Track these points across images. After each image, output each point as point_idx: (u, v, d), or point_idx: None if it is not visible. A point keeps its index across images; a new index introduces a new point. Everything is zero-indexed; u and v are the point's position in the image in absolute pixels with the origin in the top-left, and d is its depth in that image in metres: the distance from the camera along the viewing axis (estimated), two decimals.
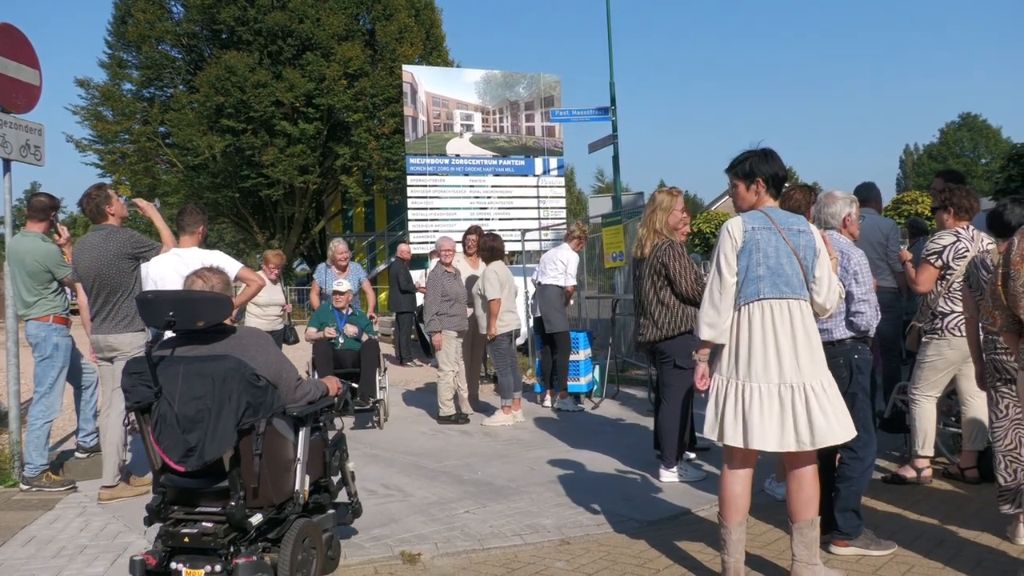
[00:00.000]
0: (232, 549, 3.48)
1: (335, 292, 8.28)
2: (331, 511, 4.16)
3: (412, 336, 14.08)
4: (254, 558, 3.45)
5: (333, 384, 4.28)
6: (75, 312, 6.28)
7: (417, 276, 13.64)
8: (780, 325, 3.60)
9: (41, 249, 6.02)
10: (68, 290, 6.24)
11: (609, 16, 14.25)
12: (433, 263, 8.87)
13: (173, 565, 3.47)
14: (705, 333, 3.74)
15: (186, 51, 28.28)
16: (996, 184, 8.60)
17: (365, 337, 8.25)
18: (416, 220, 17.93)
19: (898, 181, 67.36)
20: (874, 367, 4.65)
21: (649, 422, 7.62)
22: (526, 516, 5.00)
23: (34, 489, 5.89)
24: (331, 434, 4.40)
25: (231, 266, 5.62)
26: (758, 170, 3.78)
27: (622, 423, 8.08)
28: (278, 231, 30.48)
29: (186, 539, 3.49)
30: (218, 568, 3.42)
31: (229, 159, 26.89)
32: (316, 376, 7.31)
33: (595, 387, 9.25)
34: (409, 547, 4.42)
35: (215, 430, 3.42)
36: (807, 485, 3.66)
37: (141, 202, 6.10)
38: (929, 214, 10.33)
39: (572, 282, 8.87)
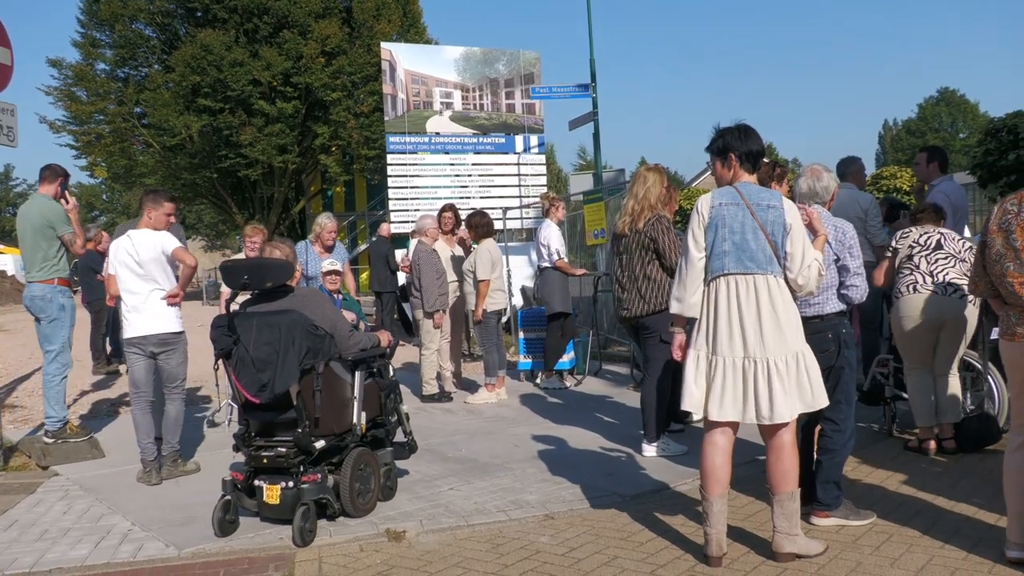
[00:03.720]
0: (301, 469, 4.35)
1: (328, 272, 7.15)
2: (389, 448, 5.00)
3: (394, 315, 14.05)
4: (318, 476, 4.36)
5: (384, 337, 5.14)
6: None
7: (399, 255, 13.58)
8: (745, 300, 3.65)
9: (46, 205, 6.26)
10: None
11: None
12: (414, 243, 8.74)
13: (256, 482, 4.43)
14: (673, 307, 3.88)
15: (160, 30, 27.84)
16: (974, 158, 8.65)
17: (361, 325, 7.40)
18: (397, 199, 17.83)
19: (877, 156, 67.64)
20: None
21: (631, 398, 7.67)
22: (510, 492, 5.02)
23: (59, 442, 6.20)
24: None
25: (169, 244, 5.61)
26: (731, 146, 3.82)
27: (604, 399, 8.12)
28: (257, 211, 30.23)
29: (265, 460, 4.41)
30: (290, 484, 4.32)
31: (206, 139, 26.61)
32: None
33: (577, 364, 9.28)
34: (394, 524, 4.44)
35: (283, 368, 4.28)
36: (785, 458, 3.71)
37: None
38: (907, 189, 10.38)
39: (556, 257, 8.80)
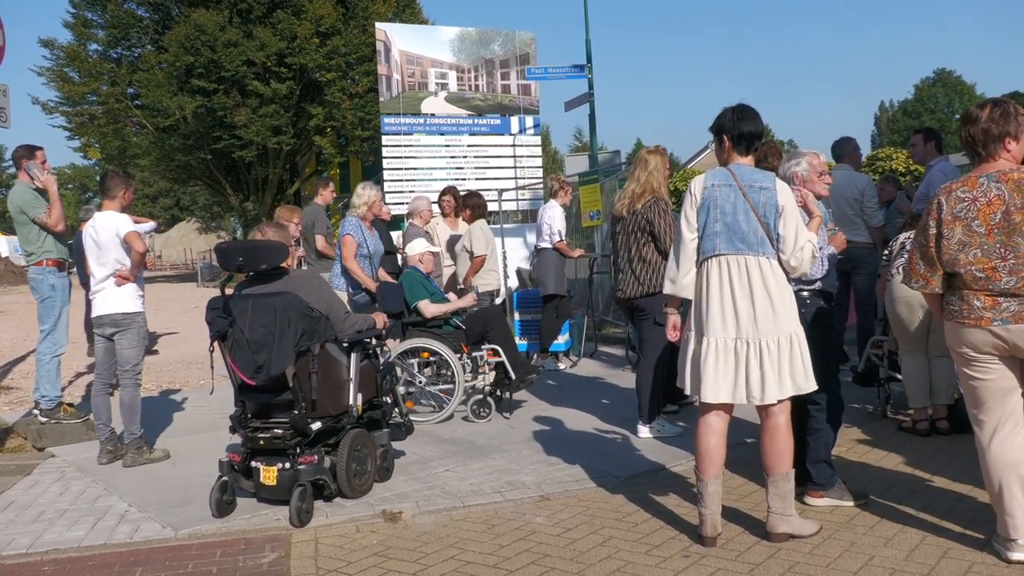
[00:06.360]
0: (298, 450, 4.38)
1: (424, 253, 6.90)
2: (386, 429, 5.03)
3: None
4: (315, 458, 4.38)
5: (380, 319, 5.20)
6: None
7: (395, 237, 13.55)
8: (737, 281, 3.66)
9: (16, 192, 6.29)
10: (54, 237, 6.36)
11: None
12: (408, 224, 8.73)
13: (253, 463, 4.46)
14: (667, 288, 3.91)
15: (153, 9, 27.63)
16: None
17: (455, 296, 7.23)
18: (392, 181, 17.76)
19: (873, 137, 67.56)
20: (844, 320, 4.71)
21: (626, 379, 7.68)
22: (506, 473, 5.04)
23: (53, 422, 6.18)
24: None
25: (123, 227, 5.53)
26: (724, 128, 3.84)
27: (600, 381, 8.14)
28: (252, 193, 30.13)
29: (261, 442, 4.43)
30: (287, 465, 4.34)
31: (200, 120, 26.44)
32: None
33: (572, 346, 9.29)
34: (390, 506, 4.45)
35: (278, 350, 4.29)
36: (780, 439, 3.72)
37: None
38: (903, 170, 10.39)
39: (556, 239, 8.79)
